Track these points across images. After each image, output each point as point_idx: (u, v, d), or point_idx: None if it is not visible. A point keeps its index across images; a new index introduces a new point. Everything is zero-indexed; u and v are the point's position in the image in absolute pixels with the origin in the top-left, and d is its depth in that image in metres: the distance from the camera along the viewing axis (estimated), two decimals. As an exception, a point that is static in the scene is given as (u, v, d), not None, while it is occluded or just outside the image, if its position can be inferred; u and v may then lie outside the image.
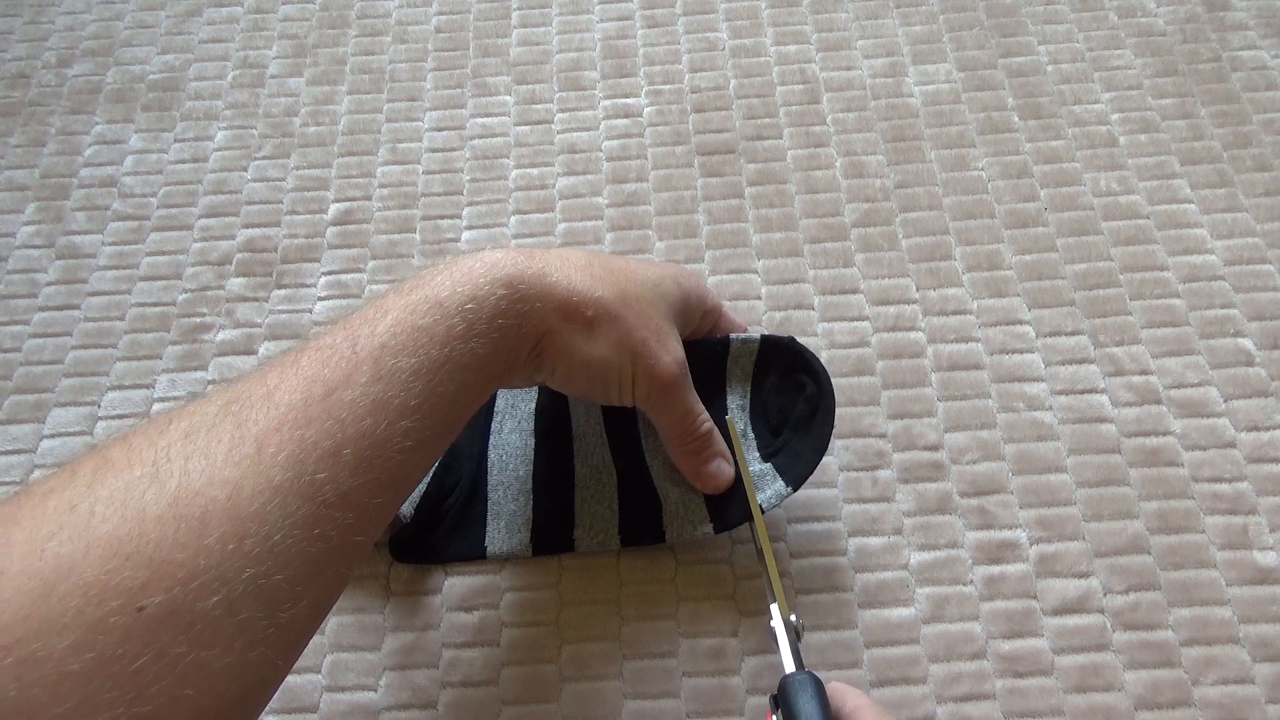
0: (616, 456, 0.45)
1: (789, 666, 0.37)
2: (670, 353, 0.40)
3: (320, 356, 0.32)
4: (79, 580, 0.26)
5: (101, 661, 0.25)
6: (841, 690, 0.36)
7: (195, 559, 0.27)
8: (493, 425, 0.47)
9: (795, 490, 0.43)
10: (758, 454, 0.44)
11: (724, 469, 0.43)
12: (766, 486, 0.43)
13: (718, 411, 0.44)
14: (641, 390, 0.40)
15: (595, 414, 0.46)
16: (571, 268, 0.38)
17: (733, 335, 0.45)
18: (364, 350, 0.33)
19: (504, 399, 0.48)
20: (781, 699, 0.36)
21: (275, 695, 0.42)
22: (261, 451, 0.29)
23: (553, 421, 0.46)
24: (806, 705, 0.35)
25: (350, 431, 0.31)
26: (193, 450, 0.29)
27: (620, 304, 0.39)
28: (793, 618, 0.39)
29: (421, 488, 0.45)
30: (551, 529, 0.45)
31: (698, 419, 0.42)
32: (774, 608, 0.40)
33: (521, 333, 0.36)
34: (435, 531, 0.45)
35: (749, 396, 0.46)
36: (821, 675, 0.37)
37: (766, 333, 0.46)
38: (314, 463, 0.30)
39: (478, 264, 0.36)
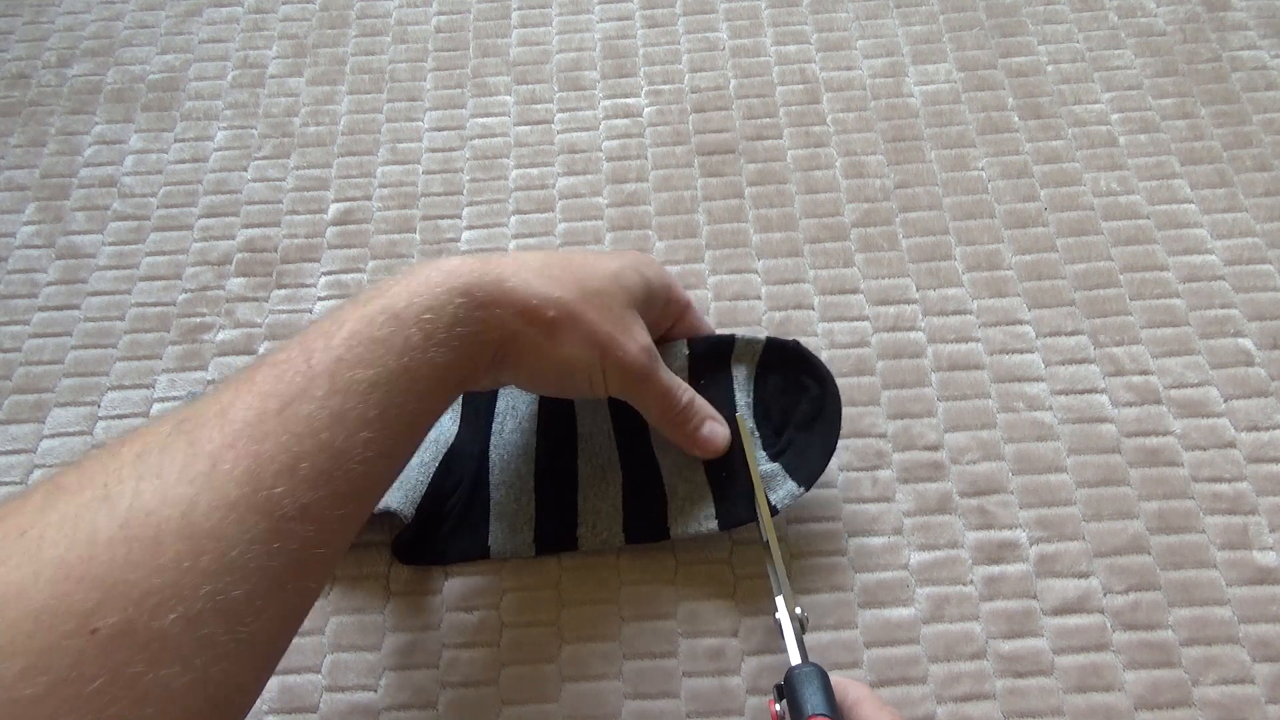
0: (624, 455, 0.45)
1: (794, 659, 0.38)
2: (636, 340, 0.40)
3: (275, 372, 0.32)
4: (28, 605, 0.25)
5: (56, 684, 0.25)
6: (844, 683, 0.36)
7: (149, 578, 0.27)
8: (494, 426, 0.47)
9: (807, 490, 0.43)
10: (764, 453, 0.44)
11: (717, 430, 0.43)
12: (778, 487, 0.43)
13: (724, 408, 0.45)
14: (614, 382, 0.40)
15: (603, 414, 0.46)
16: (529, 271, 0.38)
17: (738, 334, 0.46)
18: (319, 364, 0.32)
19: (505, 400, 0.48)
20: (788, 690, 0.36)
21: (274, 695, 0.42)
22: (216, 468, 0.29)
23: (556, 421, 0.46)
24: (813, 696, 0.35)
25: (308, 445, 0.31)
26: (144, 470, 0.29)
27: (581, 301, 0.39)
28: (798, 610, 0.39)
29: (422, 489, 0.45)
30: (555, 528, 0.45)
31: (677, 393, 0.42)
32: (779, 600, 0.40)
33: (481, 339, 0.36)
34: (437, 532, 0.45)
35: (752, 396, 0.46)
36: None
37: (771, 335, 0.46)
38: (271, 477, 0.30)
39: (435, 273, 0.36)
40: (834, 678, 0.37)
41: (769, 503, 0.43)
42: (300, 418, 0.31)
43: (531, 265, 0.39)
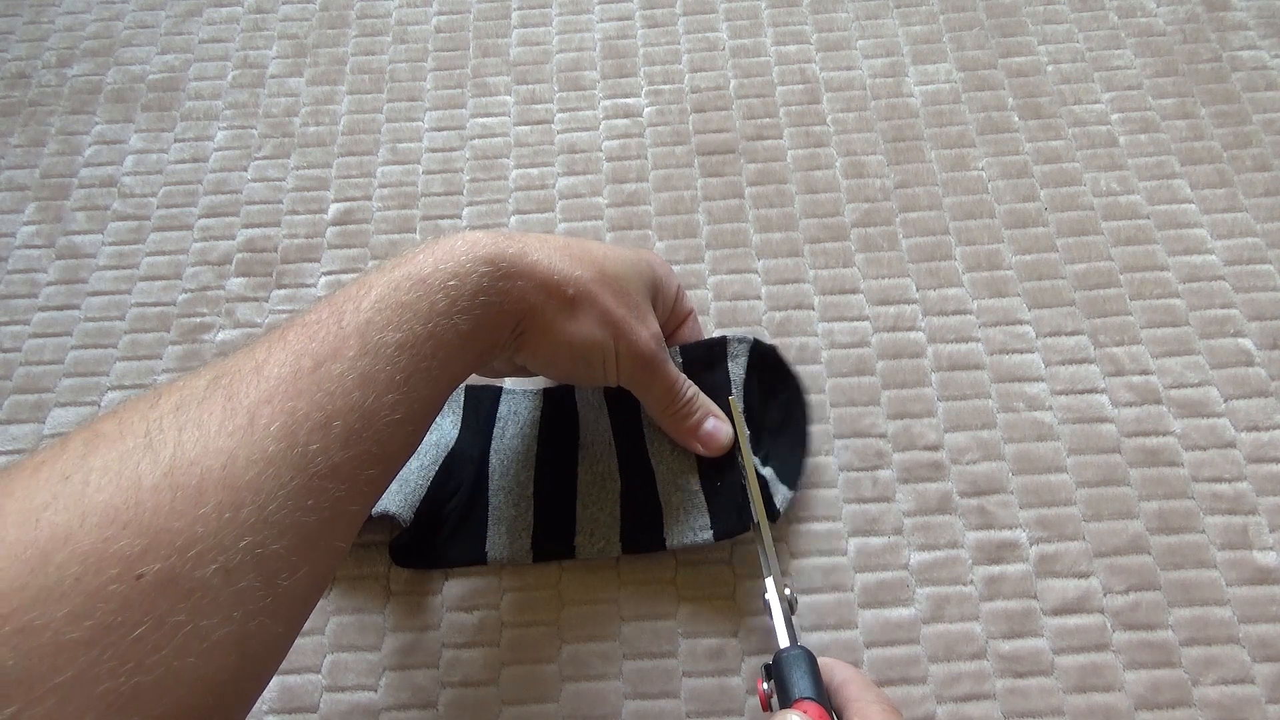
0: (623, 465, 0.45)
1: (783, 641, 0.38)
2: (649, 328, 0.41)
3: (307, 332, 0.33)
4: (76, 548, 0.25)
5: (101, 630, 0.25)
6: (831, 664, 0.37)
7: (193, 527, 0.27)
8: (494, 431, 0.47)
9: (796, 492, 0.44)
10: (756, 458, 0.45)
11: (720, 426, 0.44)
12: (775, 491, 0.44)
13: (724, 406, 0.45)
14: (626, 368, 0.40)
15: (604, 423, 0.46)
16: (551, 248, 0.39)
17: (730, 335, 0.46)
18: (350, 325, 0.33)
19: (506, 405, 0.48)
20: (775, 672, 0.36)
21: (274, 695, 0.42)
22: (254, 423, 0.29)
23: (557, 429, 0.46)
24: (801, 680, 0.35)
25: (340, 404, 0.31)
26: (185, 421, 0.29)
27: (599, 282, 0.39)
28: (787, 591, 0.40)
29: (421, 492, 0.45)
30: (552, 535, 0.45)
31: (682, 385, 0.43)
32: (769, 582, 0.40)
33: (503, 309, 0.37)
34: (436, 536, 0.45)
35: (743, 401, 0.46)
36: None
37: (754, 338, 0.47)
38: (305, 434, 0.30)
39: (459, 242, 0.36)
40: (822, 659, 0.37)
41: (775, 506, 0.43)
42: (333, 377, 0.31)
43: (552, 244, 0.39)
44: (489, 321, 0.36)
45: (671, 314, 0.45)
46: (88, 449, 0.28)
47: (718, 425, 0.44)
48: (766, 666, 0.37)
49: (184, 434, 0.28)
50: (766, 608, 0.40)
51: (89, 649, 0.25)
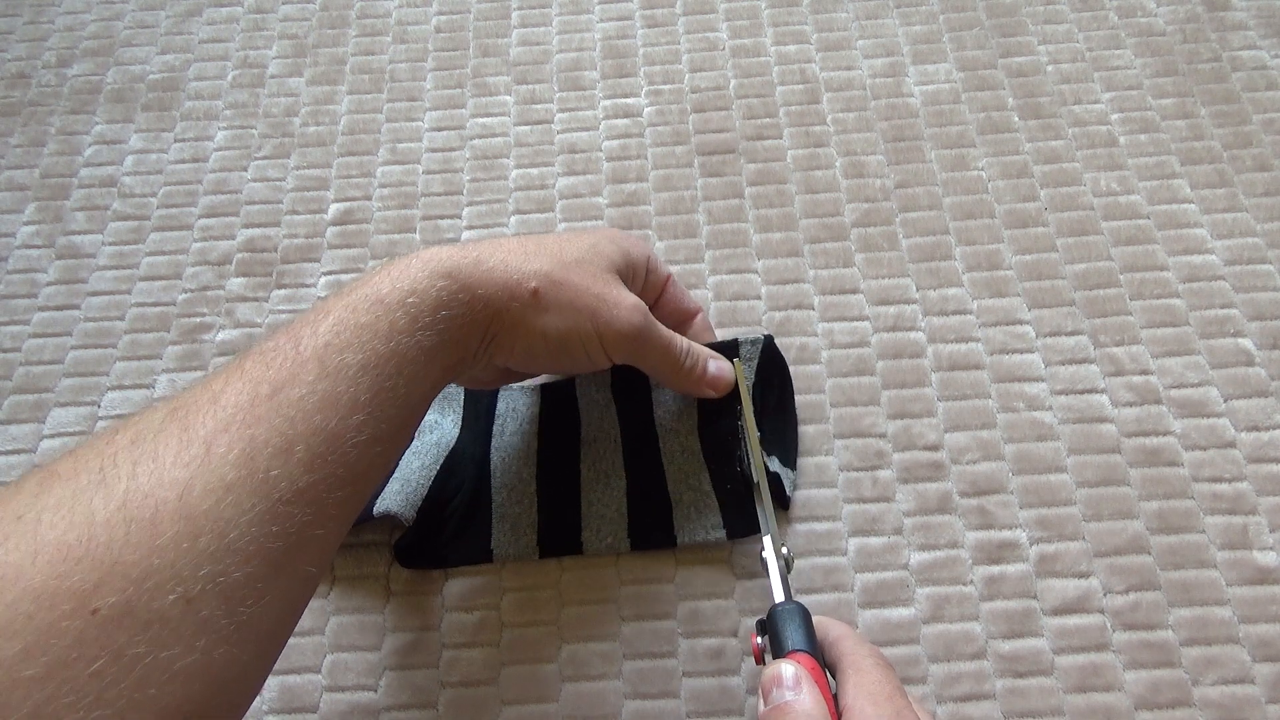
0: (630, 459, 0.45)
1: (778, 596, 0.38)
2: (626, 299, 0.40)
3: (264, 359, 0.32)
4: (27, 586, 0.25)
5: (56, 665, 0.25)
6: (825, 622, 0.37)
7: (148, 558, 0.27)
8: (494, 428, 0.47)
9: (796, 472, 0.46)
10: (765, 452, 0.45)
11: (721, 366, 0.45)
12: (784, 480, 0.45)
13: (735, 414, 0.45)
14: (615, 345, 0.40)
15: (610, 419, 0.46)
16: (505, 250, 0.39)
17: (740, 339, 0.47)
18: (308, 350, 0.33)
19: (505, 402, 0.48)
20: (770, 626, 0.36)
21: (274, 695, 0.42)
22: (210, 451, 0.29)
23: (558, 424, 0.46)
24: (794, 633, 0.35)
25: (301, 428, 0.31)
26: (140, 455, 0.29)
27: (561, 269, 0.39)
28: (784, 549, 0.40)
29: (423, 492, 0.45)
30: (558, 531, 0.45)
31: (678, 342, 0.43)
32: (766, 540, 0.40)
33: (468, 321, 0.37)
34: (440, 536, 0.45)
35: (753, 403, 0.46)
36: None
37: (766, 334, 0.47)
38: (266, 460, 0.30)
39: (415, 260, 0.36)
40: (816, 617, 0.37)
41: (786, 494, 0.44)
42: (292, 401, 0.31)
43: (507, 245, 0.39)
44: (454, 335, 0.36)
45: (646, 283, 0.45)
46: (41, 489, 0.28)
47: (719, 366, 0.45)
48: (760, 622, 0.37)
49: (138, 467, 0.28)
50: (763, 566, 0.40)
51: (44, 685, 0.24)
